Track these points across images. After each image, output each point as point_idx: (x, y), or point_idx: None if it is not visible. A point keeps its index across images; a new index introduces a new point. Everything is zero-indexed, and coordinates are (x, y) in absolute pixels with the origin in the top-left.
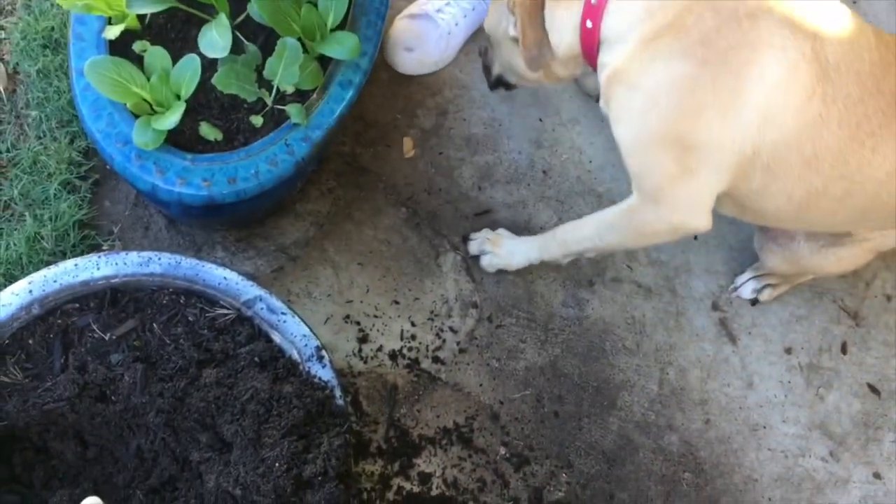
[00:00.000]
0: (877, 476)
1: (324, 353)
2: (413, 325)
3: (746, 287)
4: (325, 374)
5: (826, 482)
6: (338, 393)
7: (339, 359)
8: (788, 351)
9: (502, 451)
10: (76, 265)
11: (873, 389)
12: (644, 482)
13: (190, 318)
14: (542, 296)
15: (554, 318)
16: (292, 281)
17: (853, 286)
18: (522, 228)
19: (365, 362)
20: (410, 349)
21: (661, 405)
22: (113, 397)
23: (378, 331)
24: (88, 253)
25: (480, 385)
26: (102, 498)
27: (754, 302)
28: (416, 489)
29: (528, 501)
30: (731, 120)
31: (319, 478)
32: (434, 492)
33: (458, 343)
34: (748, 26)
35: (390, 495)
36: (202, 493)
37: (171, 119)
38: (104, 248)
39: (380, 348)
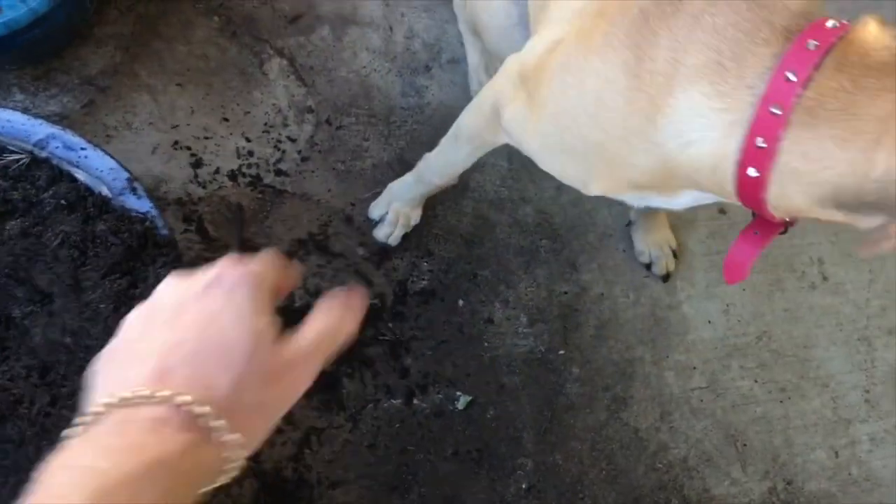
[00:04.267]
0: (721, 212)
1: (136, 183)
2: (248, 140)
3: None
4: (141, 205)
5: (674, 225)
6: (160, 222)
7: (174, 188)
8: None
9: (361, 251)
10: None
11: None
12: (504, 256)
13: None
14: (379, 89)
15: (395, 111)
16: (107, 114)
17: None
18: (349, 21)
19: (204, 187)
20: (250, 166)
21: (513, 180)
22: None
23: (212, 152)
24: None
25: (329, 191)
26: None
27: None
28: (278, 304)
29: (394, 295)
30: None
31: None
32: (298, 303)
33: (298, 152)
34: None
35: None
36: (33, 348)
37: None
38: None
39: (217, 170)
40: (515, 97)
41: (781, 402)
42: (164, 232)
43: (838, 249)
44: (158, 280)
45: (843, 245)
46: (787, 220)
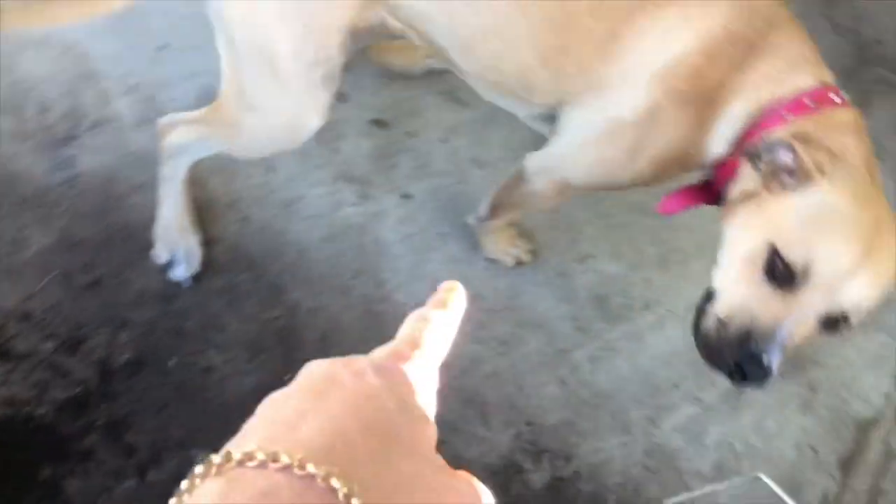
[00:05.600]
0: (405, 196)
1: None
2: None
3: None
4: None
5: (365, 222)
6: None
7: None
8: None
9: (49, 345)
10: None
11: (379, 123)
12: (204, 302)
13: None
14: (22, 173)
15: (47, 191)
16: None
17: None
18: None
19: None
20: None
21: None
22: None
23: None
24: None
25: None
26: None
27: None
28: None
29: (100, 376)
30: None
31: None
32: None
33: None
34: None
35: None
36: None
37: None
38: None
39: None
40: None
41: (505, 353)
42: None
43: None
44: None
45: None
46: None
